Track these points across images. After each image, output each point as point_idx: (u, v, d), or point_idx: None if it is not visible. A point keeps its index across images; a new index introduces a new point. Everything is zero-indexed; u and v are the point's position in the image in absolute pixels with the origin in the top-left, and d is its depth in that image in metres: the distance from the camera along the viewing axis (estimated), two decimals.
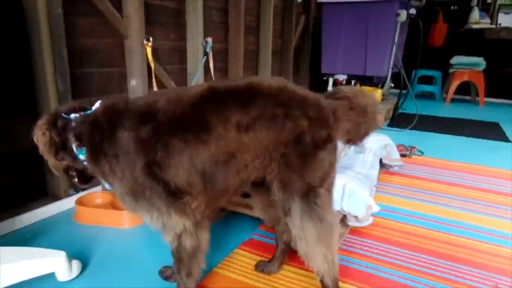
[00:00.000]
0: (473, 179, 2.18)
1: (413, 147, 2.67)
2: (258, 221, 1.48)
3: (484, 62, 4.80)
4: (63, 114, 0.97)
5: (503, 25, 5.12)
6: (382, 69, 3.59)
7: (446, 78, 5.28)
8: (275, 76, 1.15)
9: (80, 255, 1.32)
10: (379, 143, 2.06)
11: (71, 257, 1.20)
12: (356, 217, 1.42)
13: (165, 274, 1.24)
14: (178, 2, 2.35)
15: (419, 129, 3.31)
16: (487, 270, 1.31)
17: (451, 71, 5.02)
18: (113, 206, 1.64)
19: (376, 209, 1.44)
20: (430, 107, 4.71)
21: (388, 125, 3.51)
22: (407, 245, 1.45)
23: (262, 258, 1.32)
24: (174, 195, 0.93)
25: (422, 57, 4.61)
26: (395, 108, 3.79)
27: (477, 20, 5.17)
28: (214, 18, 2.73)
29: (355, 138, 1.08)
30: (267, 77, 1.08)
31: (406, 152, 2.59)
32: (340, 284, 1.13)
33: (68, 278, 1.18)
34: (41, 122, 0.98)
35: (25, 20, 1.52)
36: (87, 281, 1.21)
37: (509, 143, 3.05)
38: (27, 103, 1.59)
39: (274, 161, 0.94)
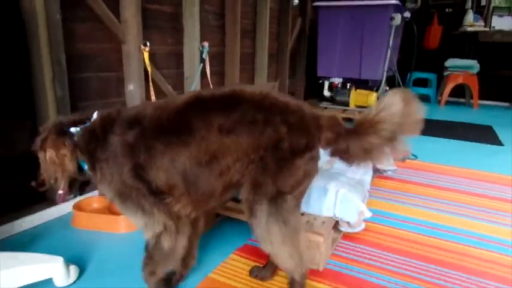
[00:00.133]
0: (466, 184, 2.22)
1: (406, 151, 2.70)
2: None
3: (478, 65, 4.86)
4: (66, 129, 1.04)
5: (497, 28, 5.18)
6: (377, 72, 3.62)
7: (441, 81, 5.34)
8: (261, 84, 1.18)
9: (78, 260, 1.34)
10: None
11: (68, 261, 1.23)
12: (348, 223, 1.45)
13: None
14: (175, 6, 2.37)
15: None
16: (478, 275, 1.34)
17: (445, 73, 5.08)
18: (110, 211, 1.66)
19: (368, 214, 1.47)
20: (425, 110, 4.75)
21: None
22: (400, 250, 1.49)
23: (257, 264, 1.34)
24: (157, 196, 0.99)
25: (418, 59, 4.68)
26: None
27: (471, 22, 5.23)
28: (211, 23, 2.75)
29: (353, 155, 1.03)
30: (251, 86, 1.11)
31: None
32: None
33: (65, 284, 1.20)
34: (53, 139, 1.02)
35: (24, 26, 1.54)
36: (85, 286, 1.24)
37: (502, 147, 3.10)
38: (26, 108, 1.60)
39: (252, 163, 0.98)
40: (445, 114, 4.57)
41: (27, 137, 1.08)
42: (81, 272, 1.29)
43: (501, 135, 3.51)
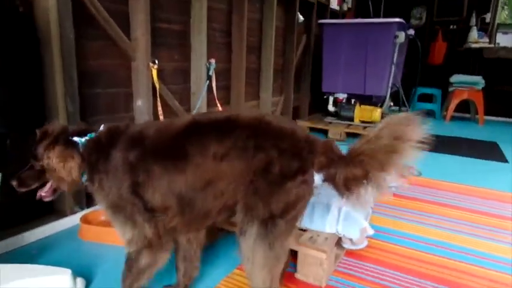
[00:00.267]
0: (470, 201, 2.22)
1: (410, 167, 2.71)
2: None
3: (483, 81, 4.88)
4: (71, 138, 1.07)
5: (501, 45, 5.22)
6: (381, 88, 3.66)
7: (446, 96, 5.36)
8: (256, 110, 1.21)
9: (84, 272, 1.36)
10: None
11: (75, 274, 1.25)
12: (351, 240, 1.46)
13: None
14: (183, 24, 2.45)
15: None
16: None
17: (450, 89, 5.10)
18: None
19: (370, 232, 1.48)
20: (430, 126, 4.76)
21: None
22: (403, 268, 1.49)
23: None
24: (150, 212, 1.03)
25: (423, 75, 4.72)
26: None
27: (476, 39, 5.27)
28: (218, 40, 2.82)
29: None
30: (246, 110, 1.15)
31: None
32: None
33: None
34: (61, 149, 1.04)
35: (39, 45, 1.60)
36: None
37: (507, 164, 3.09)
38: (38, 123, 1.65)
39: (245, 187, 1.01)
40: (450, 130, 4.57)
41: None
42: (88, 284, 1.32)
43: (506, 152, 3.50)
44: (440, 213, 2.03)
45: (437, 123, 5.11)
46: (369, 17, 5.36)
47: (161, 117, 2.20)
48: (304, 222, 1.48)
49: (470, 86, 4.93)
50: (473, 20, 5.43)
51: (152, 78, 2.14)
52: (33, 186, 1.11)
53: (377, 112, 3.68)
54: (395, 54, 3.58)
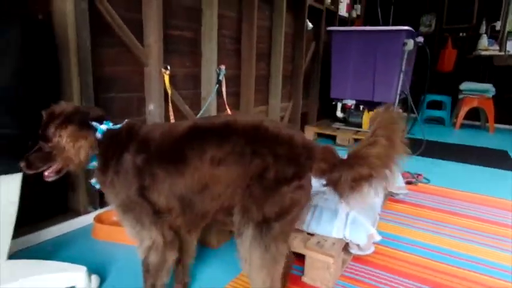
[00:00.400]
0: (478, 210, 2.21)
1: (419, 175, 2.72)
2: None
3: (494, 89, 4.85)
4: (89, 122, 1.09)
5: None
6: (389, 95, 3.67)
7: (455, 104, 5.34)
8: (257, 114, 1.25)
9: (98, 269, 1.41)
10: None
11: (89, 271, 1.30)
12: (358, 245, 1.48)
13: None
14: (194, 31, 2.51)
15: (427, 156, 3.35)
16: None
17: (460, 96, 5.08)
18: None
19: (377, 238, 1.50)
20: (439, 133, 4.76)
21: None
22: (409, 274, 1.50)
23: None
24: (157, 214, 1.09)
25: (432, 82, 4.70)
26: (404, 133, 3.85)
27: (486, 47, 5.25)
28: (228, 46, 2.88)
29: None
30: (245, 116, 1.19)
31: (412, 180, 2.64)
32: None
33: None
34: (74, 129, 1.04)
35: (57, 51, 1.67)
36: None
37: None
38: None
39: (241, 189, 1.05)
40: (459, 137, 4.54)
41: None
42: (101, 281, 1.36)
43: None
44: (448, 221, 2.03)
45: (446, 130, 5.08)
46: (378, 24, 5.38)
47: (172, 122, 2.26)
48: (312, 226, 1.50)
49: (480, 94, 4.90)
50: (483, 28, 5.41)
51: (164, 83, 2.19)
52: (42, 169, 1.08)
53: None
54: (404, 62, 3.59)
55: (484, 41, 5.27)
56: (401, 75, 3.64)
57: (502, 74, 5.24)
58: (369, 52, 3.61)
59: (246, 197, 1.05)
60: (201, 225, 1.22)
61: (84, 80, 1.75)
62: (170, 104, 2.27)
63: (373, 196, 1.06)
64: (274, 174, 1.02)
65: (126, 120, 1.17)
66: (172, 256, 1.16)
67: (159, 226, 1.10)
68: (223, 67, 2.65)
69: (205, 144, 1.05)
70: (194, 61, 2.56)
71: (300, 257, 1.43)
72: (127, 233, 1.15)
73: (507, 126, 5.45)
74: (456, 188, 2.58)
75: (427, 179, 2.72)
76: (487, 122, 5.10)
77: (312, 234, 1.50)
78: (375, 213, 1.68)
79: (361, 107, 3.93)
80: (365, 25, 5.56)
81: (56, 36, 1.65)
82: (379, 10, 5.37)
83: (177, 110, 2.36)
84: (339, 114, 4.12)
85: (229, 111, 2.79)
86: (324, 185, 1.08)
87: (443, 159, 3.35)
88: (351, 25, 5.18)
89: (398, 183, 2.26)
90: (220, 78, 2.65)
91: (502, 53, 5.22)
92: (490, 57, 5.12)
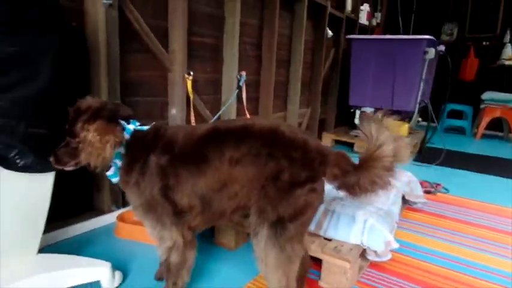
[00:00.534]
0: (498, 221, 2.17)
1: (438, 185, 2.69)
2: None
3: None
4: (118, 119, 1.14)
5: None
6: (409, 104, 3.64)
7: (477, 113, 5.23)
8: (275, 119, 1.30)
9: (120, 266, 1.46)
10: (402, 179, 2.12)
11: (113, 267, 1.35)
12: (375, 252, 1.49)
13: (157, 276, 1.42)
14: (216, 38, 2.57)
15: (447, 166, 3.31)
16: None
17: (482, 106, 4.98)
18: None
19: (395, 245, 1.50)
20: (460, 143, 4.67)
21: (415, 160, 3.53)
22: (426, 283, 1.50)
23: None
24: (179, 214, 1.14)
25: (454, 91, 4.64)
26: (423, 142, 3.81)
27: (510, 56, 5.14)
28: (249, 53, 2.94)
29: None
30: (264, 120, 1.24)
31: (431, 189, 2.61)
32: None
33: (111, 287, 1.32)
34: (103, 124, 1.07)
35: (88, 57, 1.76)
36: None
37: None
38: None
39: (256, 190, 1.10)
40: (480, 147, 4.45)
41: None
42: (124, 277, 1.42)
43: None
44: (466, 232, 2.01)
45: (467, 140, 4.99)
46: (399, 32, 5.36)
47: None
48: (329, 232, 1.52)
49: (503, 104, 4.80)
50: (507, 37, 5.30)
51: (187, 88, 2.26)
52: (69, 165, 1.11)
53: (405, 127, 3.66)
54: (425, 70, 3.56)
55: (508, 50, 5.16)
56: (422, 84, 3.61)
57: None
58: (388, 60, 3.60)
59: (261, 198, 1.09)
60: (216, 223, 1.28)
61: (112, 83, 1.83)
62: (192, 109, 2.34)
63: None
64: (288, 177, 1.06)
65: (153, 122, 1.23)
66: (192, 255, 1.22)
67: (180, 227, 1.16)
68: (244, 73, 2.71)
69: (224, 145, 1.10)
70: (215, 67, 2.62)
71: (317, 262, 1.45)
72: (148, 233, 1.21)
73: None
74: (475, 199, 2.54)
75: (446, 189, 2.68)
76: (510, 132, 4.97)
77: (329, 240, 1.52)
78: (393, 221, 1.69)
79: (379, 114, 3.90)
80: (385, 33, 5.53)
81: (88, 42, 1.75)
82: (400, 18, 5.35)
83: (198, 114, 2.42)
84: (357, 121, 4.11)
85: (248, 116, 2.84)
86: (337, 189, 1.12)
87: (463, 169, 3.30)
88: (371, 33, 5.17)
89: (416, 192, 2.25)
90: (241, 84, 2.71)
91: None
92: None
